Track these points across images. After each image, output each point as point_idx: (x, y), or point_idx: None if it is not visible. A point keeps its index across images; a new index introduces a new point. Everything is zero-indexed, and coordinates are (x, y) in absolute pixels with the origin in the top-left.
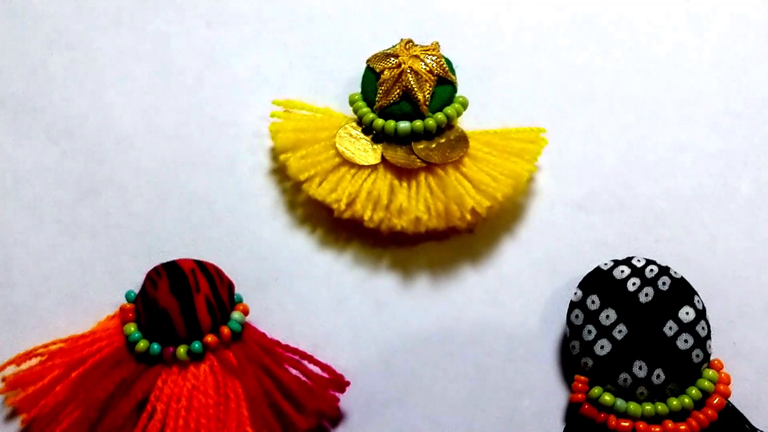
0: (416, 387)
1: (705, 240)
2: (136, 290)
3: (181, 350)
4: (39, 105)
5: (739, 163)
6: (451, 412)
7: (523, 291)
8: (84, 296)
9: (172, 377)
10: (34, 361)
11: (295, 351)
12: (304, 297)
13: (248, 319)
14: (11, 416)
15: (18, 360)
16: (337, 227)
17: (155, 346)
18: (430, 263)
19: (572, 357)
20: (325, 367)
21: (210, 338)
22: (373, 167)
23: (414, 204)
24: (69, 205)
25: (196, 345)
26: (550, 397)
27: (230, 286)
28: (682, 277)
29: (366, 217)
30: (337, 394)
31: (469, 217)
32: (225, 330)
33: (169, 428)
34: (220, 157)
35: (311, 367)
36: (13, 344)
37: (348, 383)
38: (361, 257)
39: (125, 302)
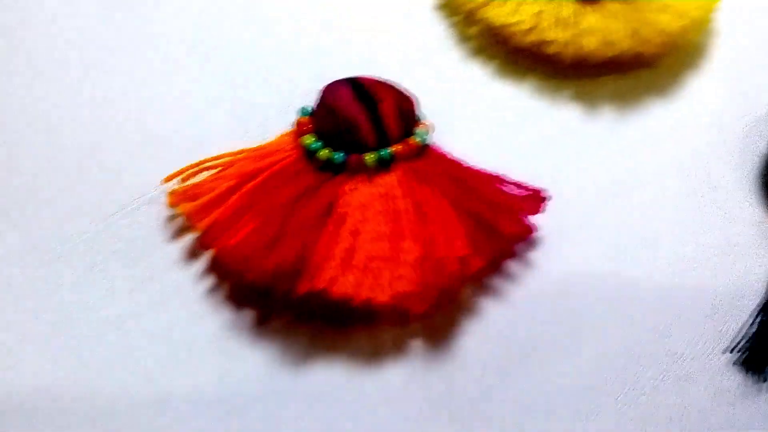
0: (612, 207)
1: None
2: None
3: (370, 157)
4: None
5: None
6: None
7: (711, 124)
8: (251, 119)
9: (359, 185)
10: (203, 176)
11: (485, 172)
12: (481, 128)
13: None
14: (180, 232)
15: (186, 171)
16: (514, 58)
17: (339, 154)
18: (614, 95)
19: None
20: (518, 184)
21: (398, 147)
22: None
23: (603, 24)
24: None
25: (384, 152)
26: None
27: (415, 102)
28: None
29: (552, 38)
30: (537, 207)
31: (659, 39)
32: (412, 140)
33: (366, 234)
34: None
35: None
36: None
37: (547, 197)
38: (541, 88)
39: (299, 117)
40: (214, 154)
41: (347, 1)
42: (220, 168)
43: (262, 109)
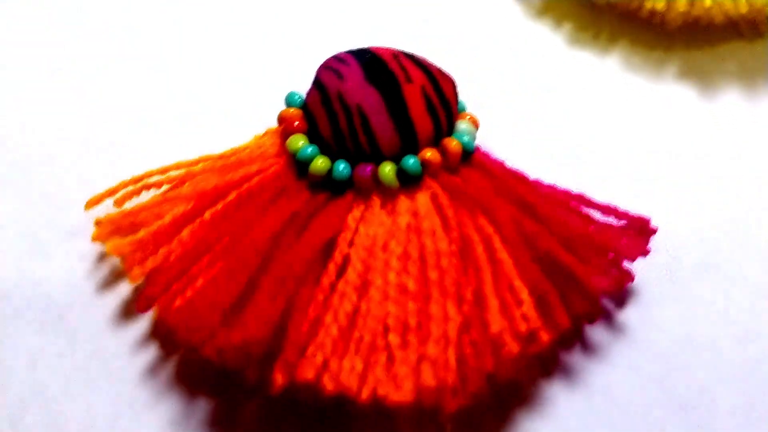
0: (746, 238)
1: None
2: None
3: (387, 170)
4: None
5: None
6: None
7: None
8: (212, 111)
9: (371, 212)
10: (147, 196)
11: (559, 190)
12: (547, 121)
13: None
14: (116, 277)
15: (119, 190)
16: (594, 19)
17: (342, 166)
18: (740, 71)
19: None
20: (610, 209)
21: (430, 153)
22: None
23: None
24: None
25: (411, 162)
26: None
27: (453, 84)
28: None
29: None
30: (640, 245)
31: None
32: (452, 143)
33: (379, 291)
34: None
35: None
36: (112, 176)
37: (654, 229)
38: (634, 62)
39: (284, 109)
40: (161, 164)
41: None
42: (168, 186)
43: (229, 96)
